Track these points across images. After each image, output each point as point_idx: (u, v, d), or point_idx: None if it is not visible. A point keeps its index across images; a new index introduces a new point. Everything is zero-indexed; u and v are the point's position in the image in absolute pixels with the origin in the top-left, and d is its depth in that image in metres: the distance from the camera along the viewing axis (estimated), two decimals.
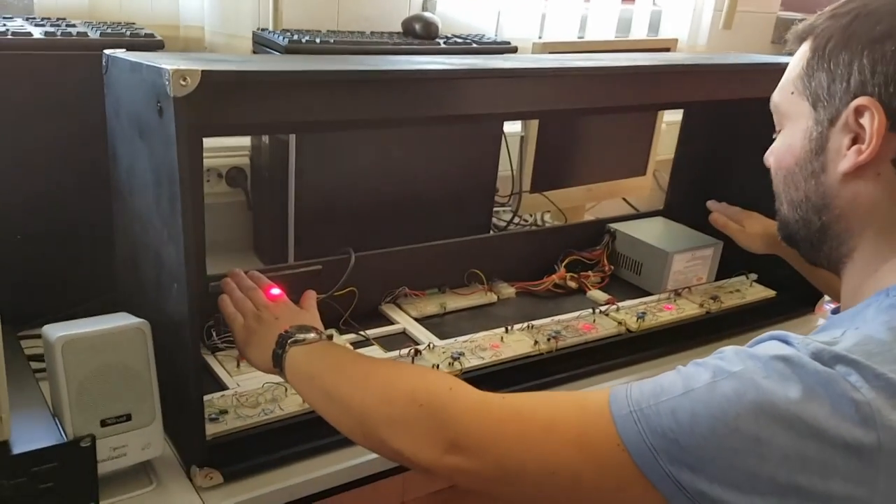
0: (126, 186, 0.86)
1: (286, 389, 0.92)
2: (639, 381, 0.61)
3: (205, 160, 1.34)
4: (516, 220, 1.64)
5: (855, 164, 0.65)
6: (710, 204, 1.33)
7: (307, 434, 0.89)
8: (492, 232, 1.54)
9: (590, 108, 1.19)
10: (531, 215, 1.69)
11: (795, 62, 0.72)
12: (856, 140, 0.66)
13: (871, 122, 0.63)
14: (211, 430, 0.84)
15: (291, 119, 0.75)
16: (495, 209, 1.57)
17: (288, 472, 0.85)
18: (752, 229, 1.24)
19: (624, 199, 1.80)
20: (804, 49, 0.71)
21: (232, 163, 1.35)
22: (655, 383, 0.60)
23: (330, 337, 0.92)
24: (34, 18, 1.07)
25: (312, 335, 0.83)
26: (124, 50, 0.86)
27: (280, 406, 0.90)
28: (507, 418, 0.64)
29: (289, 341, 0.82)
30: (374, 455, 0.90)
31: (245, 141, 1.36)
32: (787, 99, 0.73)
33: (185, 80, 0.68)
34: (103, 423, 0.74)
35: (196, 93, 0.68)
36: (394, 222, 1.36)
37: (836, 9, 0.69)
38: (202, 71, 0.68)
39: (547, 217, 1.72)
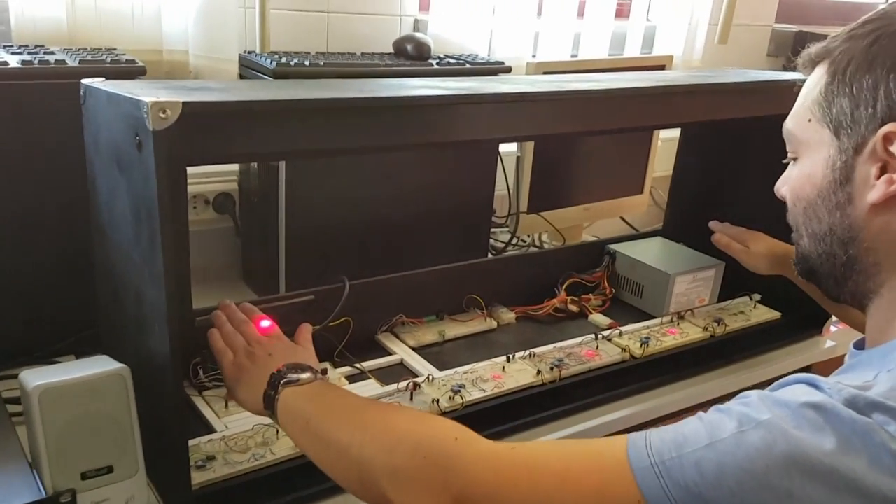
0: (106, 220, 0.82)
1: (277, 432, 0.88)
2: (658, 428, 0.57)
3: (191, 186, 1.30)
4: (514, 241, 1.60)
5: (885, 194, 0.61)
6: (713, 224, 1.30)
7: (302, 481, 0.84)
8: (490, 254, 1.50)
9: (587, 131, 1.16)
10: (529, 236, 1.65)
11: (811, 87, 0.68)
12: (885, 169, 0.62)
13: None
14: (198, 478, 0.79)
15: (278, 149, 0.72)
16: (492, 230, 1.54)
17: None
18: (757, 249, 1.20)
19: (622, 218, 1.77)
20: (820, 73, 0.67)
21: (220, 188, 1.31)
22: (677, 432, 0.56)
23: (324, 372, 0.87)
24: (10, 46, 1.03)
25: (307, 375, 0.78)
26: (103, 79, 0.82)
27: (271, 450, 0.85)
28: (518, 470, 0.60)
29: (281, 382, 0.77)
30: None
31: (233, 166, 1.32)
32: (803, 126, 0.68)
33: (164, 112, 0.64)
34: (84, 477, 0.70)
35: (176, 125, 0.64)
36: (389, 247, 1.32)
37: (853, 30, 0.65)
38: (183, 102, 0.64)
39: (545, 237, 1.68)
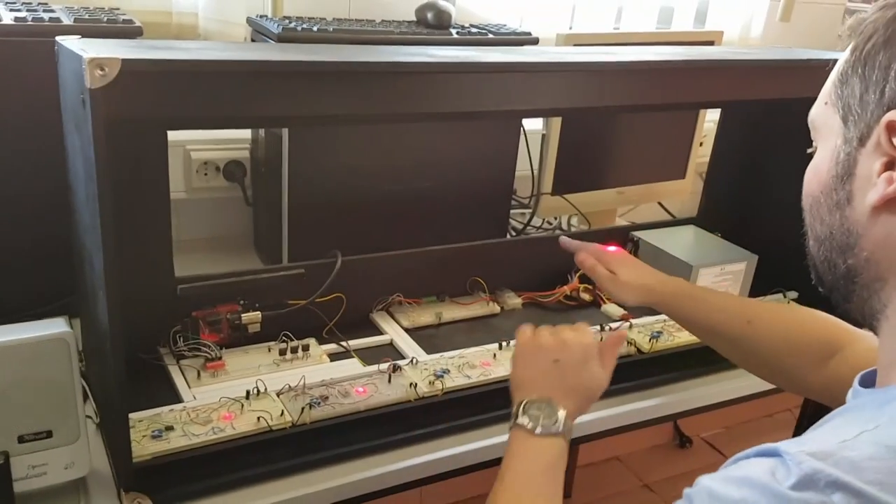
0: (72, 181, 0.80)
1: (242, 406, 0.86)
2: None
3: (203, 153, 1.29)
4: (538, 224, 1.53)
5: (884, 196, 0.52)
6: (563, 241, 1.10)
7: (263, 456, 0.82)
8: (509, 236, 1.44)
9: (603, 107, 1.08)
10: (556, 218, 1.58)
11: (836, 66, 0.59)
12: (890, 165, 0.52)
13: None
14: (152, 448, 0.78)
15: (225, 114, 0.68)
16: (514, 212, 1.47)
17: (233, 498, 0.78)
18: (625, 277, 1.00)
19: (660, 204, 1.67)
20: (847, 49, 0.58)
21: (230, 156, 1.30)
22: None
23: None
24: (13, 3, 1.02)
25: (540, 428, 0.73)
26: (79, 37, 0.80)
27: (233, 425, 0.83)
28: None
29: (514, 420, 0.75)
30: (340, 482, 0.83)
31: (245, 134, 1.30)
32: (821, 111, 0.59)
33: (102, 69, 0.61)
34: (21, 440, 0.69)
35: (116, 83, 0.61)
36: (400, 223, 1.27)
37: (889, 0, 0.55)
38: (122, 60, 0.61)
39: (574, 221, 1.61)
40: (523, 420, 0.74)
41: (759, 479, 0.46)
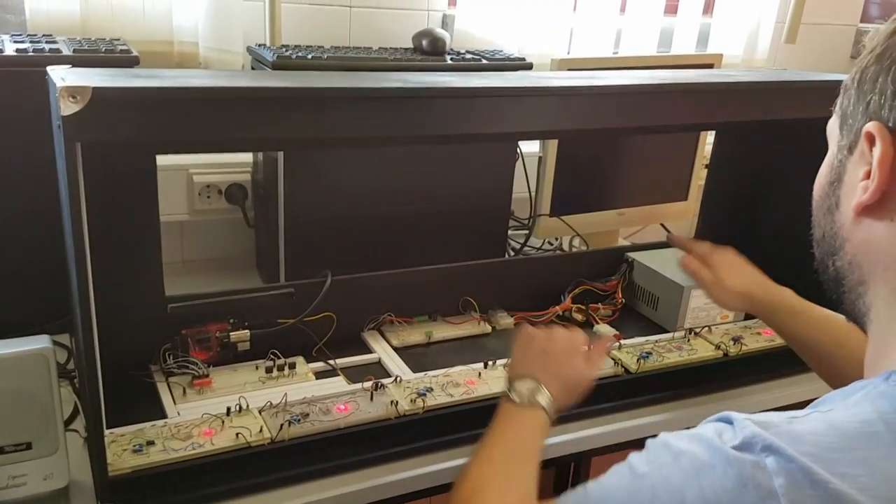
0: (61, 204, 0.84)
1: (223, 422, 0.88)
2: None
3: (205, 176, 1.33)
4: (537, 245, 1.54)
5: (859, 203, 0.55)
6: (671, 237, 1.13)
7: (241, 472, 0.84)
8: (506, 257, 1.46)
9: (592, 130, 1.10)
10: (556, 239, 1.59)
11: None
12: (869, 174, 0.55)
13: (876, 152, 0.53)
14: (132, 462, 0.80)
15: (196, 138, 0.71)
16: (514, 233, 1.49)
17: None
18: (731, 285, 1.01)
19: (662, 226, 1.67)
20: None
21: (232, 179, 1.33)
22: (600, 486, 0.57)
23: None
24: (19, 35, 1.07)
25: (523, 399, 0.81)
26: (69, 66, 0.84)
27: (212, 441, 0.85)
28: None
29: (503, 392, 0.83)
30: (315, 497, 0.85)
31: (247, 157, 1.34)
32: (832, 120, 0.62)
33: (74, 97, 0.65)
34: (1, 451, 0.71)
35: (88, 110, 0.65)
36: (399, 244, 1.29)
37: None
38: (92, 88, 0.65)
39: (576, 243, 1.61)
40: (510, 393, 0.82)
41: (707, 437, 0.51)
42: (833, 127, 0.61)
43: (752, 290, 1.00)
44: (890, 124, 0.53)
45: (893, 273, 0.54)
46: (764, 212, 1.33)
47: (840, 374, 0.90)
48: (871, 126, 0.53)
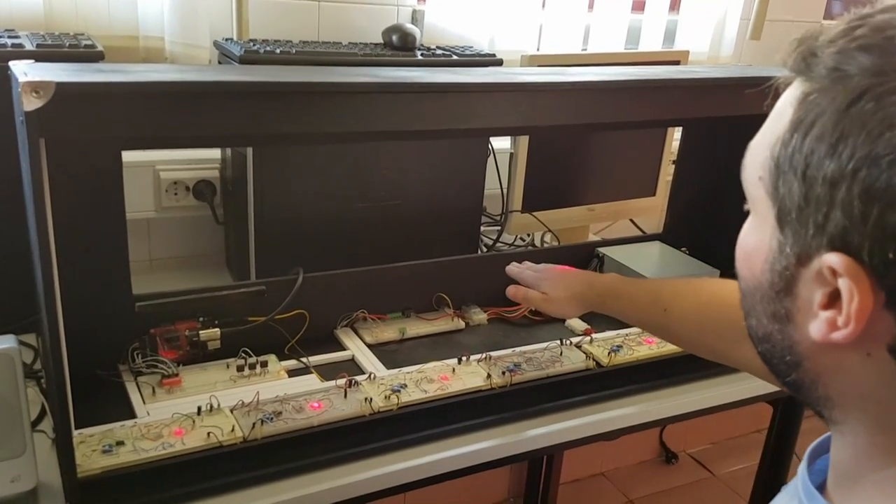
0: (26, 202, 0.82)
1: (194, 422, 0.87)
2: None
3: (172, 173, 1.31)
4: (509, 241, 1.55)
5: (828, 340, 0.43)
6: (510, 269, 1.08)
7: (213, 471, 0.83)
8: (479, 253, 1.46)
9: (560, 126, 1.10)
10: (528, 235, 1.60)
11: (775, 120, 0.45)
12: (833, 300, 0.42)
13: (850, 300, 0.41)
14: (102, 462, 0.79)
15: (160, 133, 0.70)
16: (486, 230, 1.49)
17: None
18: (556, 294, 0.99)
19: (631, 221, 1.69)
20: (790, 100, 0.44)
21: (200, 175, 1.32)
22: None
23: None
24: None
25: None
26: (32, 61, 0.82)
27: (183, 440, 0.84)
28: None
29: None
30: (289, 496, 0.84)
31: (215, 154, 1.33)
32: (753, 181, 0.47)
33: (37, 92, 0.63)
34: None
35: (51, 105, 0.63)
36: (370, 241, 1.29)
37: (852, 25, 0.43)
38: (56, 83, 0.63)
39: (547, 238, 1.62)
40: None
41: None
42: (760, 194, 0.46)
43: (577, 290, 0.98)
44: (866, 259, 0.40)
45: (874, 404, 0.45)
46: (730, 207, 1.34)
47: (672, 335, 0.92)
48: (835, 262, 0.41)
